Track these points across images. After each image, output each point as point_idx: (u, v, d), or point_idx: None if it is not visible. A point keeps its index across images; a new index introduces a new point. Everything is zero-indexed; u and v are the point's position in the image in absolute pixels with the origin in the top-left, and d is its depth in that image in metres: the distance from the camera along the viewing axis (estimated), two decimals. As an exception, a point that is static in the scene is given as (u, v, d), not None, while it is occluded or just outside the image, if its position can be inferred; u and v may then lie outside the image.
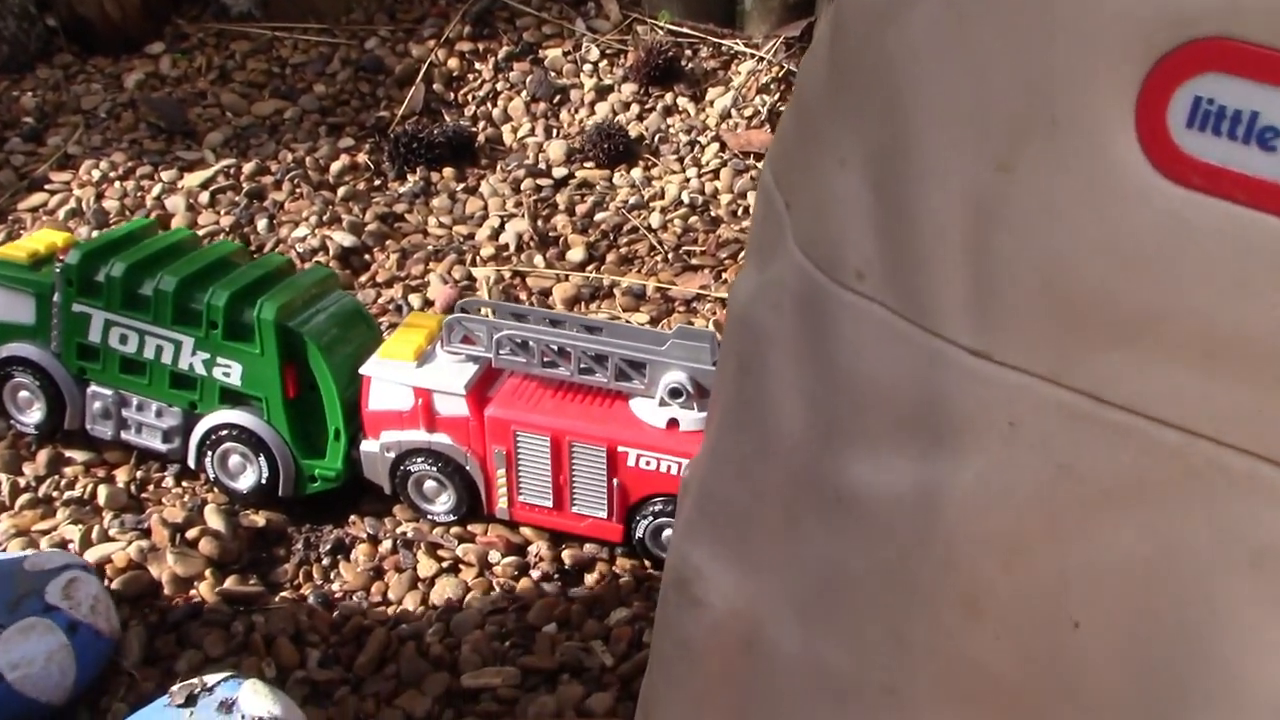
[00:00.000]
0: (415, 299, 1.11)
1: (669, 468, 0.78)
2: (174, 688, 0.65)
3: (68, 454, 0.91)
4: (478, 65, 1.51)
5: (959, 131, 0.42)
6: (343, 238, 1.18)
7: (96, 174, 1.29)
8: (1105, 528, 0.43)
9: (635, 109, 1.44)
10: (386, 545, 0.84)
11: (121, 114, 1.40)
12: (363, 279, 1.15)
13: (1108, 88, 0.39)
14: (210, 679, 0.66)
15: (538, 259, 1.17)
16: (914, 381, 0.46)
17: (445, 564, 0.83)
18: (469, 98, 1.47)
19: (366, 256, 1.18)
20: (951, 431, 0.45)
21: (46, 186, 1.29)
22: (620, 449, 0.79)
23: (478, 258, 1.17)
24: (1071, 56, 0.39)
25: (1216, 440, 0.40)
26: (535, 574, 0.81)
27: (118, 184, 1.28)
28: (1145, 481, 0.42)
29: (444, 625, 0.78)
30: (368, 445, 0.85)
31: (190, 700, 0.65)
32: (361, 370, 0.83)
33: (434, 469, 0.84)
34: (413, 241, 1.21)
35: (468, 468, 0.83)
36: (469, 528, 0.85)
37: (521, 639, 0.77)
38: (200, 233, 1.20)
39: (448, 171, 1.32)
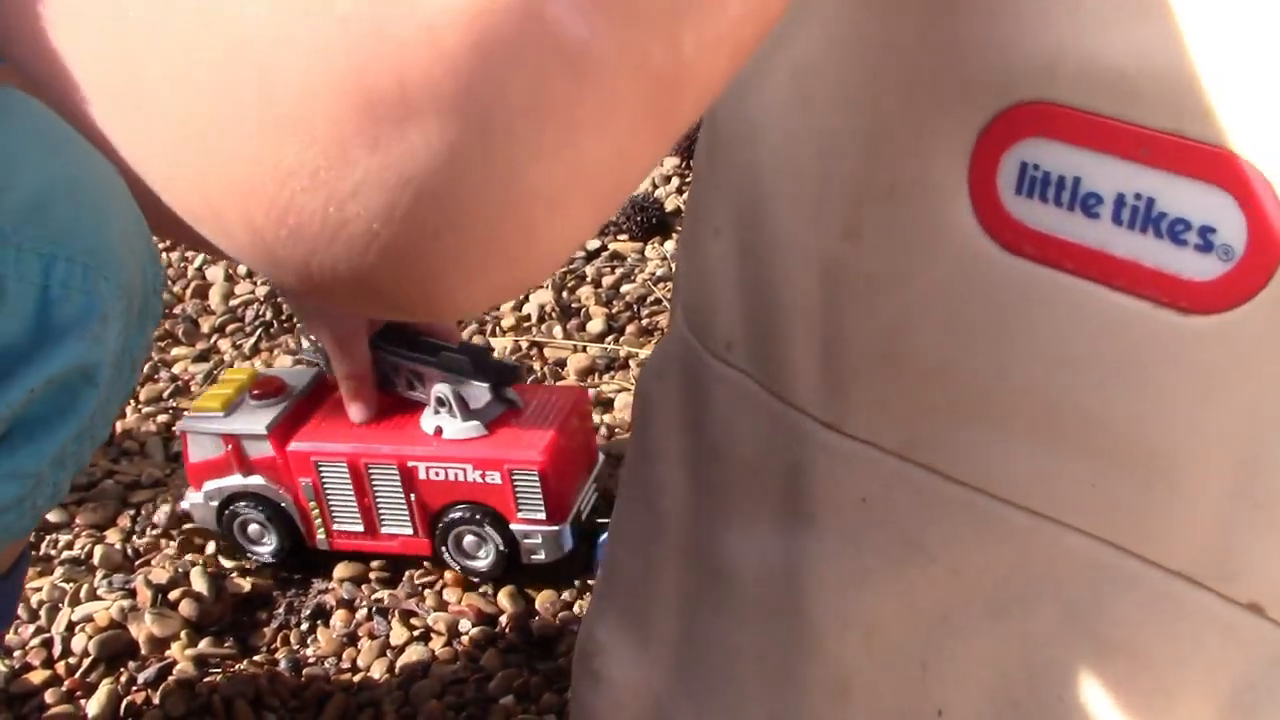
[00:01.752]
0: (430, 368, 1.12)
1: (456, 475, 0.80)
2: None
3: (74, 511, 0.94)
4: (524, 139, 1.53)
5: (807, 199, 0.41)
6: (369, 307, 1.20)
7: (146, 244, 1.34)
8: (960, 611, 0.41)
9: (675, 182, 1.44)
10: (363, 612, 0.84)
11: (177, 187, 1.45)
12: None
13: (940, 153, 0.38)
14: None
15: (557, 330, 1.18)
16: (777, 454, 0.45)
17: (417, 632, 0.83)
18: (513, 171, 1.49)
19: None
20: (810, 506, 0.44)
21: (99, 256, 1.34)
22: (410, 464, 0.81)
23: (498, 328, 1.18)
24: (905, 122, 0.38)
25: (1059, 521, 0.38)
26: (504, 644, 0.81)
27: (164, 255, 1.32)
28: (993, 564, 0.40)
29: (404, 694, 0.77)
30: (193, 497, 0.87)
31: None
32: (176, 427, 0.85)
33: (255, 511, 0.86)
34: (438, 311, 1.23)
35: (284, 505, 0.85)
36: (444, 595, 0.84)
37: (478, 710, 0.76)
38: (235, 302, 1.24)
39: (483, 243, 1.34)
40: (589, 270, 1.28)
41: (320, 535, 0.86)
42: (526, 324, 1.19)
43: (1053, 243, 0.36)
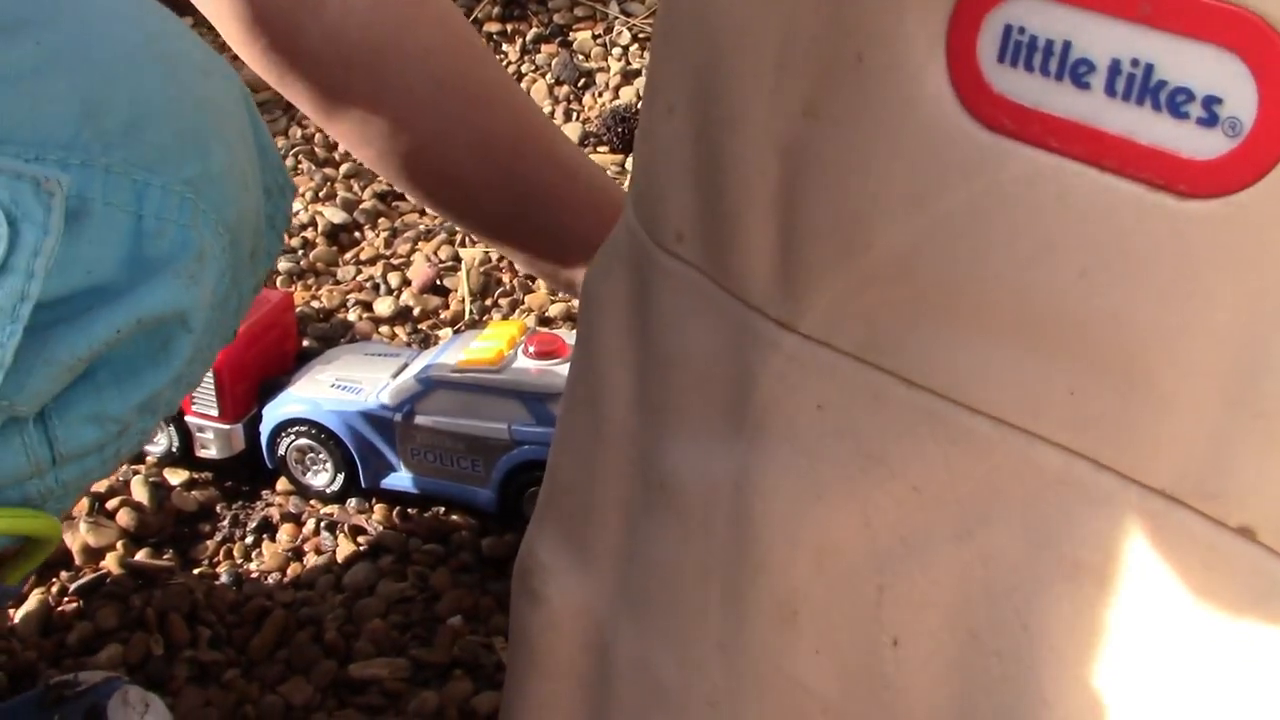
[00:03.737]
0: (394, 278, 1.08)
1: None
2: (51, 681, 0.62)
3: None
4: (505, 47, 1.47)
5: (766, 70, 0.37)
6: (333, 214, 1.15)
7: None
8: (920, 532, 0.37)
9: (660, 95, 1.39)
10: (310, 526, 0.81)
11: (141, 86, 1.39)
12: (347, 256, 1.12)
13: (916, 14, 0.33)
14: (86, 678, 0.63)
15: (529, 243, 1.13)
16: (727, 356, 0.41)
17: (364, 548, 0.80)
18: (492, 80, 1.43)
19: (356, 234, 1.15)
20: (760, 414, 0.40)
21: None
22: None
23: (468, 239, 1.14)
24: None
25: (1029, 431, 0.34)
26: (455, 564, 0.77)
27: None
28: (957, 480, 0.36)
29: (346, 611, 0.74)
30: None
31: (59, 701, 0.62)
32: None
33: None
34: (406, 221, 1.17)
35: None
36: (394, 513, 0.81)
37: (424, 630, 0.73)
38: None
39: (457, 153, 1.29)
40: (565, 183, 1.23)
41: None
42: (498, 236, 1.15)
43: (1037, 117, 0.32)
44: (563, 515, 0.50)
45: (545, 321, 1.03)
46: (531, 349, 0.80)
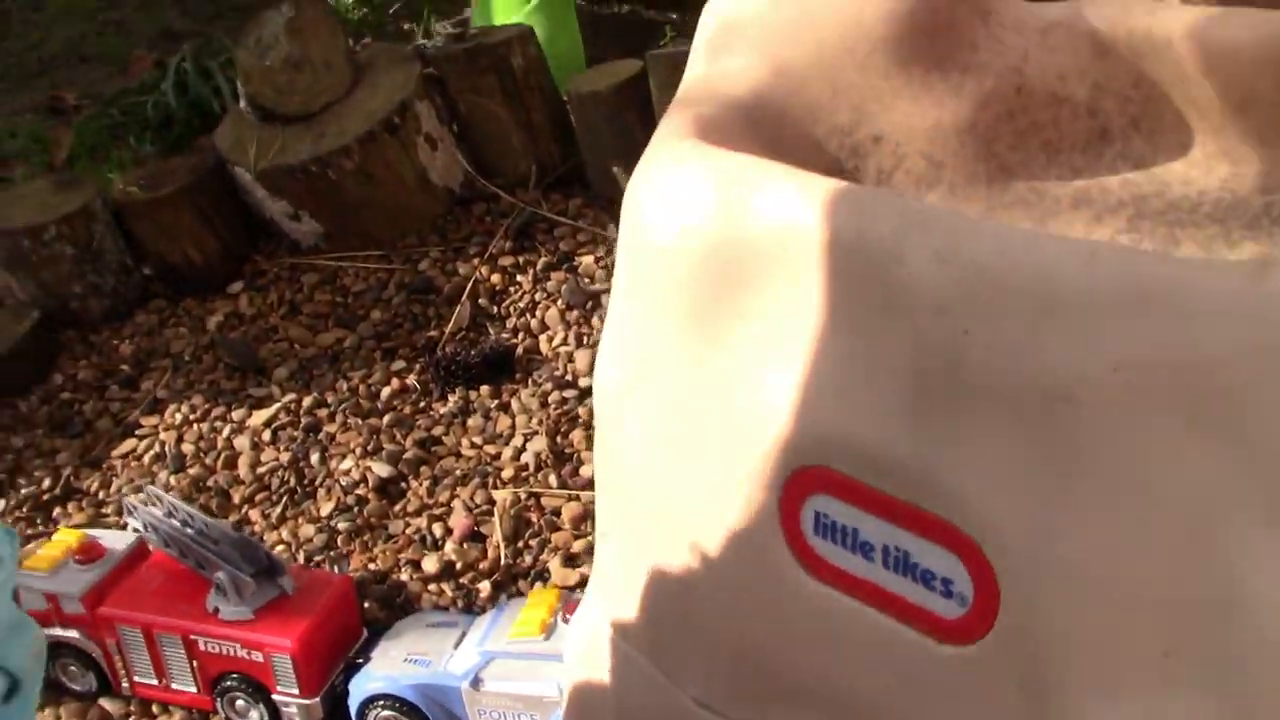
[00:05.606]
0: (438, 528, 1.22)
1: (228, 650, 0.97)
2: None
3: None
4: (519, 278, 1.62)
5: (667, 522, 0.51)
6: (380, 468, 1.30)
7: (179, 417, 1.45)
8: None
9: (662, 309, 1.54)
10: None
11: (203, 356, 1.56)
12: (396, 509, 1.26)
13: (760, 500, 0.47)
14: None
15: (552, 478, 1.27)
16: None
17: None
18: (510, 310, 1.58)
19: (403, 485, 1.30)
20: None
21: (137, 432, 1.44)
22: (192, 637, 0.98)
23: (498, 480, 1.28)
24: (732, 476, 0.48)
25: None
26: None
27: (195, 426, 1.43)
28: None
29: None
30: None
31: None
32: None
33: (72, 658, 1.03)
34: (444, 466, 1.31)
35: (94, 655, 1.02)
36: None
37: None
38: (261, 470, 1.34)
39: (485, 390, 1.43)
40: (582, 411, 1.37)
41: (125, 684, 1.03)
42: (525, 473, 1.29)
43: (845, 575, 0.45)
44: None
45: (570, 559, 1.16)
46: (569, 617, 0.95)
